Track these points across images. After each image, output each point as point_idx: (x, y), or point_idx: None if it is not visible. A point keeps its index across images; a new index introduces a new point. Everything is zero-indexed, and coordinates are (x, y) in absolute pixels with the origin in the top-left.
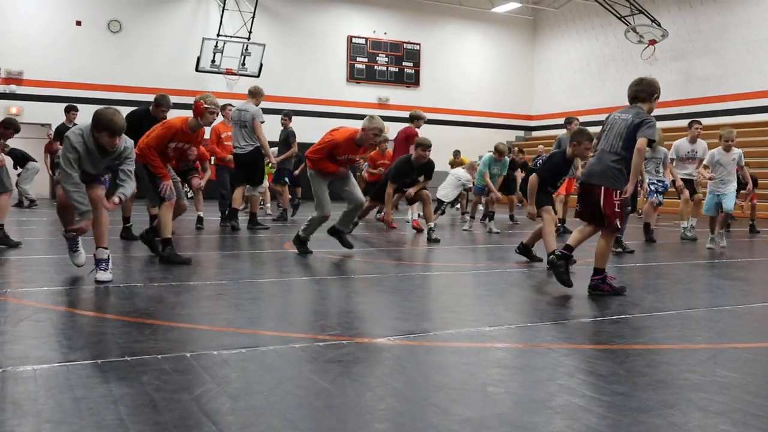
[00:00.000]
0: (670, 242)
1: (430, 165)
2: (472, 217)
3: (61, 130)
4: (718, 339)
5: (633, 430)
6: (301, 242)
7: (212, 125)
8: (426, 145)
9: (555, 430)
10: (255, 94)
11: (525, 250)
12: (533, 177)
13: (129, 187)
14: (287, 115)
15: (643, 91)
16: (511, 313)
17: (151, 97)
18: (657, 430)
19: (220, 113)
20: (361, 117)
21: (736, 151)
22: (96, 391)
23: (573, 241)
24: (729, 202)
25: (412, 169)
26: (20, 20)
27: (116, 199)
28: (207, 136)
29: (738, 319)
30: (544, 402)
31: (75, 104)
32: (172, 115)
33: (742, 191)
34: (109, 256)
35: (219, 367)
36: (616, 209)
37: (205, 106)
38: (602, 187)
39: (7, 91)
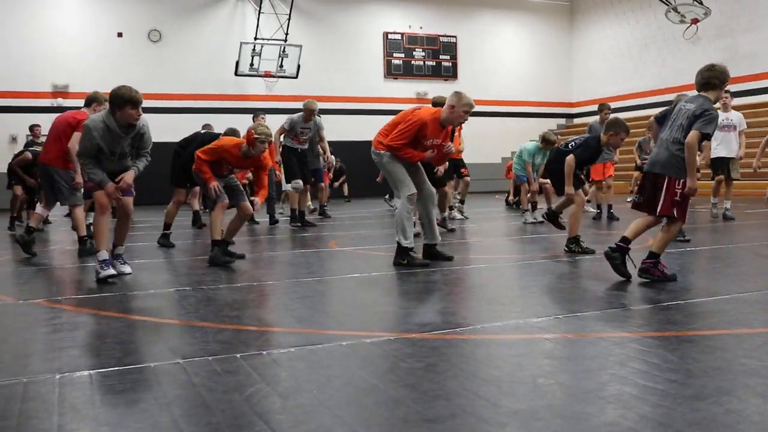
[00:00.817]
0: (717, 224)
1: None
2: (533, 209)
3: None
4: None
5: (689, 419)
6: (405, 251)
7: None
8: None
9: (608, 420)
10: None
11: (552, 216)
12: (570, 158)
13: (144, 162)
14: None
15: (716, 78)
16: (558, 303)
17: (192, 104)
18: (714, 417)
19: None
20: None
21: None
22: (150, 394)
23: (630, 233)
24: None
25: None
26: (64, 35)
27: (131, 175)
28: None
29: None
30: (596, 392)
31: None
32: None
33: None
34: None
35: (268, 366)
36: (677, 198)
37: (256, 136)
38: (666, 177)
39: (55, 104)
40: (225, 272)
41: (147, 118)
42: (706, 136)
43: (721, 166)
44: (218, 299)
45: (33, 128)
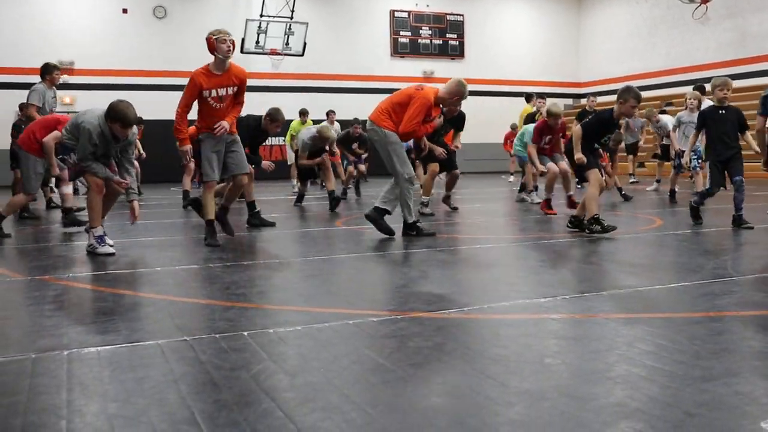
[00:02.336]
0: (725, 207)
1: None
2: (534, 189)
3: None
4: None
5: (697, 400)
6: (412, 226)
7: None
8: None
9: (615, 400)
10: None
11: (577, 222)
12: (577, 128)
13: (134, 178)
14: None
15: None
16: (565, 283)
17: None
18: (721, 399)
19: None
20: None
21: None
22: (157, 371)
23: None
24: None
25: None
26: (69, 12)
27: (135, 201)
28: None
29: None
30: (604, 373)
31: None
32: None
33: None
34: (104, 233)
35: (276, 344)
36: None
37: (214, 37)
38: None
39: (61, 82)
40: (232, 251)
41: (152, 95)
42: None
43: None
44: (225, 277)
45: (22, 107)
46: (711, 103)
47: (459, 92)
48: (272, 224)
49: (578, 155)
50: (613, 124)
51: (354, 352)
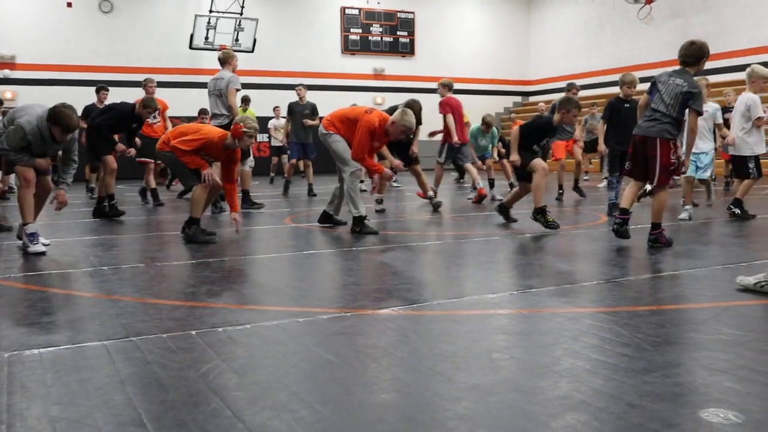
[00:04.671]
0: (673, 203)
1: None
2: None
3: (90, 110)
4: (721, 297)
5: (639, 391)
6: (359, 220)
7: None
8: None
9: (561, 393)
10: (228, 60)
11: (503, 210)
12: (515, 129)
13: (71, 173)
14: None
15: (691, 56)
16: (513, 279)
17: (145, 77)
18: (663, 390)
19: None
20: (357, 89)
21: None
22: (102, 372)
23: (627, 202)
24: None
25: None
26: (11, 3)
27: (63, 190)
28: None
29: (742, 276)
30: (550, 366)
31: (105, 85)
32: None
33: None
34: (37, 231)
35: (224, 343)
36: (671, 167)
37: (244, 130)
38: (658, 139)
39: (1, 76)
40: (178, 249)
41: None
42: (700, 114)
43: None
44: (172, 276)
45: None
46: None
47: (405, 127)
48: (122, 212)
49: (513, 156)
50: (552, 129)
51: (303, 349)
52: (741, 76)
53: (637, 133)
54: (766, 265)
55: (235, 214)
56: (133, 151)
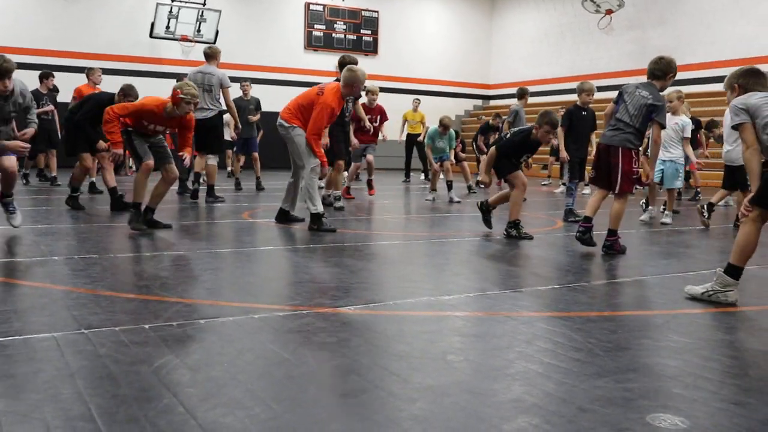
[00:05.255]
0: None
1: None
2: (433, 189)
3: (37, 96)
4: (671, 305)
5: (590, 395)
6: (316, 217)
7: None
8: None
9: (514, 396)
10: (215, 56)
11: (484, 208)
12: (492, 150)
13: (33, 125)
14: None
15: (659, 70)
16: (470, 281)
17: (104, 64)
18: (612, 394)
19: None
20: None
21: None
22: (52, 365)
23: (590, 210)
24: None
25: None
26: None
27: (31, 131)
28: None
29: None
30: (503, 369)
31: (50, 71)
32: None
33: None
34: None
35: (178, 338)
36: (634, 175)
37: (181, 96)
38: (620, 148)
39: None
40: (134, 240)
41: (59, 77)
42: (663, 126)
43: None
44: (126, 268)
45: None
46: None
47: (352, 79)
48: (82, 208)
49: (483, 176)
50: (533, 146)
51: (258, 346)
52: (697, 89)
53: (601, 142)
54: (714, 274)
55: (183, 153)
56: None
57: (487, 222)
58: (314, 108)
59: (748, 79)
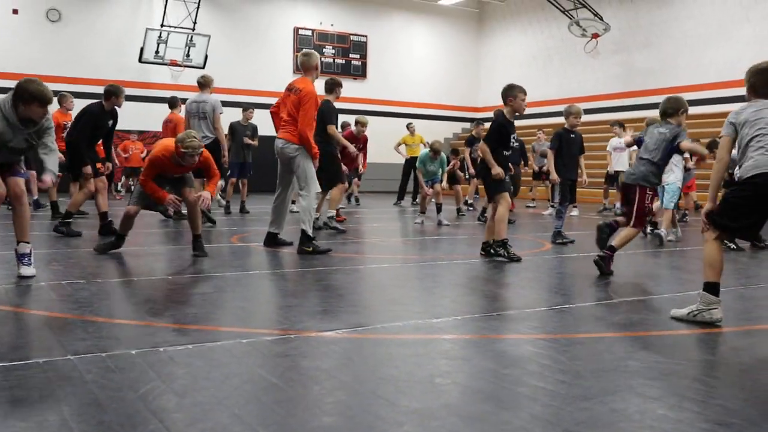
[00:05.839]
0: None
1: None
2: (422, 212)
3: None
4: (657, 326)
5: (576, 417)
6: (309, 239)
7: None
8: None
9: (501, 419)
10: (208, 84)
11: (487, 248)
12: (482, 145)
13: (54, 159)
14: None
15: (670, 107)
16: (458, 305)
17: (93, 89)
18: (598, 416)
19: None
20: None
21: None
22: (38, 392)
23: (618, 242)
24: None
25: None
26: None
27: (48, 178)
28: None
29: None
30: (490, 392)
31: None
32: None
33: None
34: (31, 251)
35: (165, 363)
36: (645, 216)
37: (183, 150)
38: (637, 187)
39: None
40: (122, 266)
41: None
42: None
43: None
44: (114, 293)
45: None
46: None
47: (313, 59)
48: (79, 234)
49: (495, 170)
50: (508, 122)
51: (246, 371)
52: None
53: (624, 181)
54: (699, 295)
55: (204, 193)
56: (110, 166)
57: (508, 255)
58: (301, 104)
59: (757, 77)
